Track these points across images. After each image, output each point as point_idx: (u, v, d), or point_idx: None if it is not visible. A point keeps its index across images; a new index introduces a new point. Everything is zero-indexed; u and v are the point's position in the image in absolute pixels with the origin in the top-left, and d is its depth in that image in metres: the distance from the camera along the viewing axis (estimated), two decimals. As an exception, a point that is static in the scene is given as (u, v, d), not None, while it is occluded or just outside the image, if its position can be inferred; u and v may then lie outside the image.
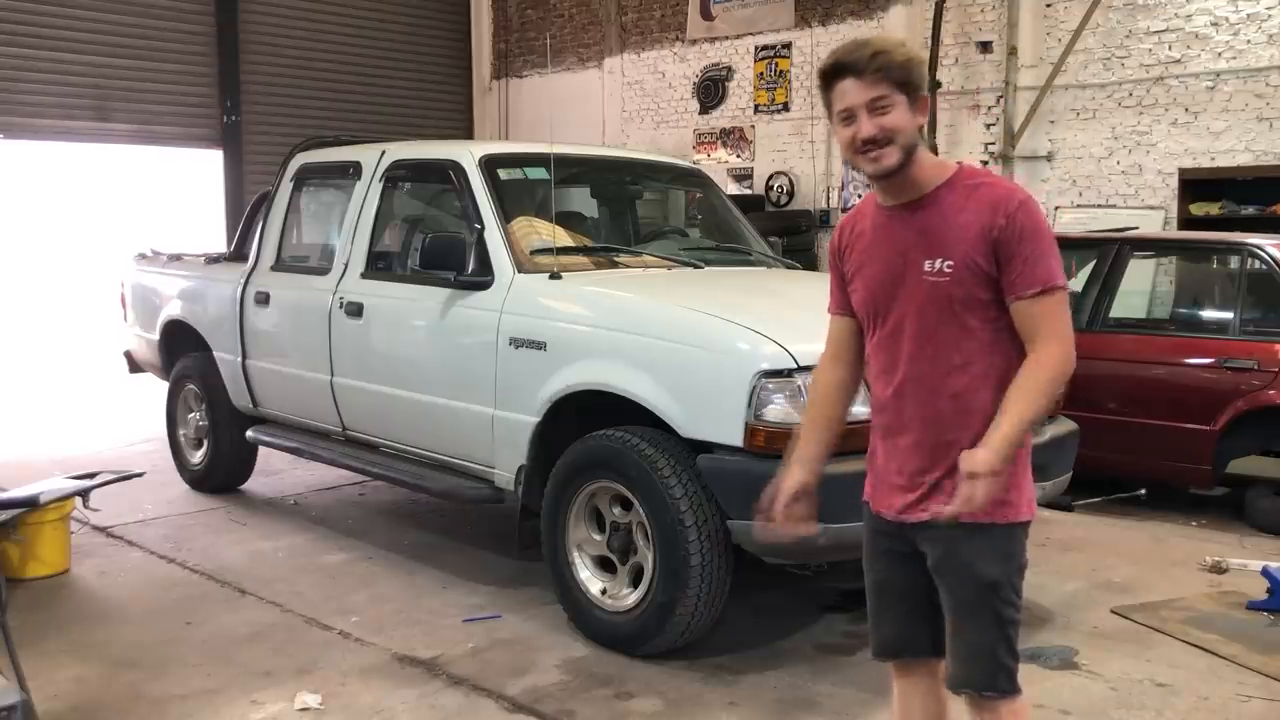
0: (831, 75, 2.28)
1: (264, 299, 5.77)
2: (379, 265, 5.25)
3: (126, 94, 11.41)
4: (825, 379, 2.64)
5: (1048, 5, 9.48)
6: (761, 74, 11.56)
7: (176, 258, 6.91)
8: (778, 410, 3.58)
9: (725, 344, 3.76)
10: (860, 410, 3.62)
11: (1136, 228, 7.77)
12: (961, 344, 2.28)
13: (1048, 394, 2.21)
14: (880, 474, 2.48)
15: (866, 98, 2.24)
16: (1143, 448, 5.96)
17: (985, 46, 9.81)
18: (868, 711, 3.60)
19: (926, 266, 2.27)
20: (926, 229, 2.29)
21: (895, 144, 2.25)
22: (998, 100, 9.75)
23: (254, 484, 6.59)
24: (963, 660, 2.36)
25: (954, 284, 2.25)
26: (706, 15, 11.92)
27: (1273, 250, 5.89)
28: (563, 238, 4.81)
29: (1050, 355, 2.21)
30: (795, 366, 3.60)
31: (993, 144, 9.82)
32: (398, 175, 5.34)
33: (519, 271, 4.50)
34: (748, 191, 11.43)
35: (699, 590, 3.75)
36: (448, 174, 4.97)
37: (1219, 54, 8.57)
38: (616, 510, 4.04)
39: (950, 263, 2.25)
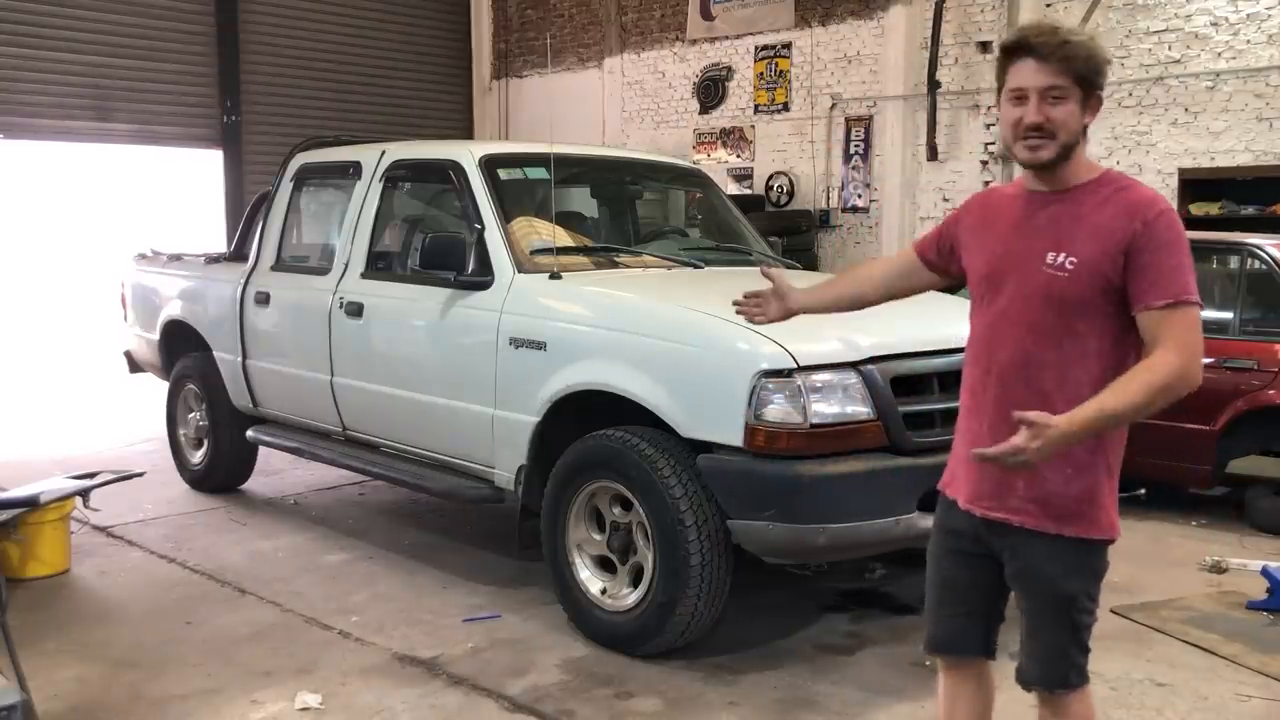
0: (1013, 51, 2.23)
1: (264, 299, 5.77)
2: (379, 265, 5.25)
3: (126, 94, 11.41)
4: (867, 268, 2.81)
5: (1048, 5, 9.48)
6: (761, 74, 11.56)
7: (176, 258, 6.91)
8: (778, 410, 3.58)
9: (725, 344, 3.76)
10: (862, 410, 3.66)
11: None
12: (1063, 344, 2.22)
13: (1147, 397, 2.09)
14: (958, 459, 2.45)
15: (1043, 84, 2.18)
16: (1143, 448, 5.92)
17: (985, 46, 9.81)
18: (868, 711, 3.60)
19: (1049, 259, 2.21)
20: (1058, 221, 2.23)
21: (1057, 139, 2.20)
22: (998, 100, 9.73)
23: (254, 484, 6.59)
24: (1038, 661, 2.38)
25: (1072, 282, 2.18)
26: (706, 15, 11.92)
27: (1273, 250, 5.89)
28: (563, 238, 4.82)
29: (1165, 362, 2.09)
30: (795, 366, 3.60)
31: (992, 144, 9.82)
32: (398, 175, 5.34)
33: (519, 271, 4.50)
34: (748, 191, 11.43)
35: (699, 590, 3.75)
36: (448, 174, 4.97)
37: (1219, 54, 8.57)
38: (616, 510, 4.04)
39: (1074, 260, 2.18)
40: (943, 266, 2.59)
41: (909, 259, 2.65)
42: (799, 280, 2.88)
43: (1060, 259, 2.20)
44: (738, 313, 2.97)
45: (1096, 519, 2.30)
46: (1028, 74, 2.19)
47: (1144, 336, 2.16)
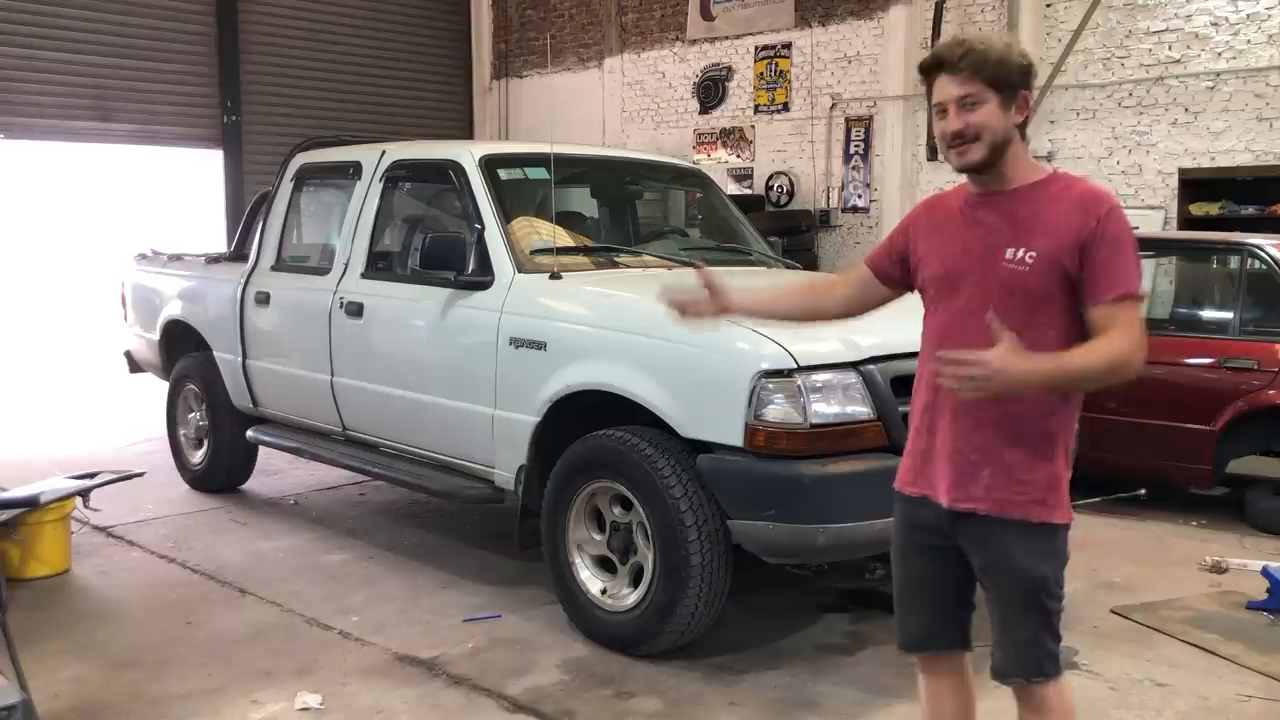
0: (929, 70, 2.36)
1: (264, 299, 5.77)
2: (379, 265, 5.25)
3: (126, 94, 11.41)
4: (822, 280, 2.73)
5: (1048, 5, 9.48)
6: (761, 74, 11.56)
7: (176, 258, 6.91)
8: (778, 410, 3.58)
9: (725, 344, 3.76)
10: (862, 410, 3.66)
11: (1137, 228, 7.74)
12: (1025, 335, 2.26)
13: (1105, 367, 2.19)
14: (921, 457, 2.47)
15: (956, 93, 2.30)
16: (1143, 448, 5.95)
17: (985, 47, 9.79)
18: (868, 711, 3.60)
19: (1008, 255, 2.30)
20: (1014, 219, 2.32)
21: (981, 140, 2.29)
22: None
23: (254, 484, 6.59)
24: (1011, 653, 2.41)
25: (1032, 276, 2.27)
26: (706, 15, 11.92)
27: (1273, 250, 5.89)
28: (563, 238, 4.82)
29: (1116, 345, 2.19)
30: (795, 366, 3.60)
31: (993, 144, 9.80)
32: (398, 175, 5.34)
33: (519, 271, 4.50)
34: (748, 191, 11.43)
35: (699, 590, 3.75)
36: (448, 174, 4.97)
37: (1219, 54, 8.57)
38: (616, 510, 4.04)
39: (1033, 254, 2.27)
40: (897, 277, 2.60)
41: (863, 274, 2.66)
42: (789, 278, 2.80)
43: (1020, 254, 2.28)
44: (670, 304, 2.71)
45: (1059, 503, 2.36)
46: (944, 87, 2.33)
47: (1094, 329, 2.25)
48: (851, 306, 2.70)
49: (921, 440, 2.47)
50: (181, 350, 6.58)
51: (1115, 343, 2.20)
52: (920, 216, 2.55)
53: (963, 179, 2.44)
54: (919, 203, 2.62)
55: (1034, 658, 2.39)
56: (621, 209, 5.95)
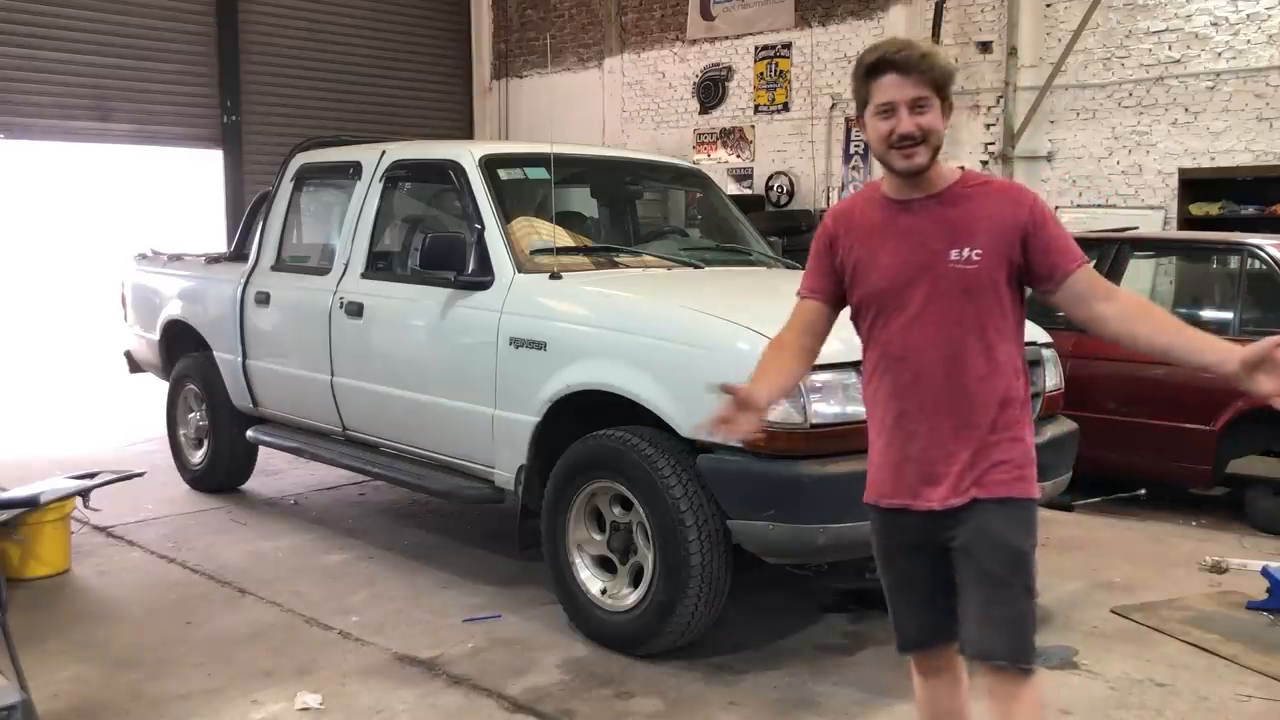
0: (876, 69, 2.33)
1: (264, 299, 5.77)
2: (379, 265, 5.25)
3: (126, 94, 11.40)
4: (790, 339, 2.59)
5: (1048, 5, 9.48)
6: (761, 74, 11.56)
7: (176, 258, 6.91)
8: (778, 410, 3.57)
9: (725, 343, 3.76)
10: (862, 410, 3.65)
11: (1136, 228, 7.77)
12: (985, 329, 2.37)
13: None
14: (896, 466, 2.47)
15: (909, 96, 2.31)
16: (1143, 448, 5.95)
17: (985, 46, 9.80)
18: (868, 711, 3.60)
19: (953, 255, 2.35)
20: (950, 221, 2.37)
21: (927, 143, 2.33)
22: (998, 100, 9.75)
23: (254, 484, 6.59)
24: (997, 631, 2.38)
25: (982, 272, 2.34)
26: (706, 15, 11.92)
27: (1273, 250, 5.89)
28: (563, 238, 4.82)
29: (1143, 299, 2.42)
30: (795, 366, 3.60)
31: (993, 144, 9.82)
32: (398, 175, 5.34)
33: (519, 271, 4.50)
34: (748, 191, 11.43)
35: (699, 590, 3.75)
36: (448, 174, 4.97)
37: (1219, 54, 8.57)
38: (616, 510, 4.04)
39: (979, 251, 2.34)
40: (840, 295, 2.54)
41: (813, 308, 2.56)
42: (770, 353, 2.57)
43: (965, 253, 2.34)
44: (713, 432, 2.55)
45: (1032, 479, 2.44)
46: (894, 88, 2.32)
47: (1072, 294, 2.37)
48: (819, 346, 2.62)
49: (895, 451, 2.46)
50: (181, 350, 6.59)
51: (1146, 301, 2.41)
52: (840, 232, 2.48)
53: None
54: (832, 214, 2.54)
55: (1018, 640, 2.37)
56: (621, 209, 5.95)
